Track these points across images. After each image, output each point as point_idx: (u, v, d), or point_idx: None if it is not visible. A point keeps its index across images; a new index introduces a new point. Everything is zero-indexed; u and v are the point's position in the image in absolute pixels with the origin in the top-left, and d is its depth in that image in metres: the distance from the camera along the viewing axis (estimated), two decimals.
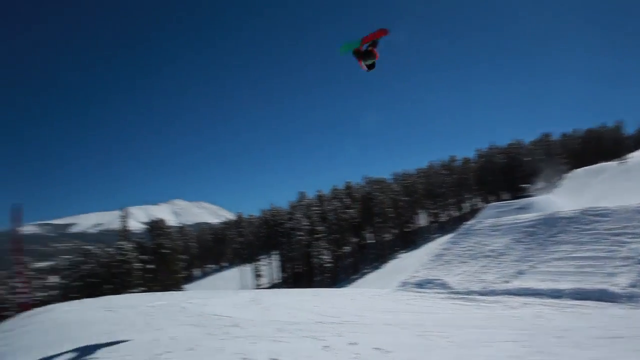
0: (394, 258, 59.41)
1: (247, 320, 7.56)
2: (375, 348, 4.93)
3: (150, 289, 38.65)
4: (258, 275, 60.94)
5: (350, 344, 5.23)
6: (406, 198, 64.75)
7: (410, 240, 63.93)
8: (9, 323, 10.25)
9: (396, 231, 65.36)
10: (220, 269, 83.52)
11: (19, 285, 15.70)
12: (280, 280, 59.60)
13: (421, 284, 14.97)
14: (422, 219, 72.55)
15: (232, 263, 77.73)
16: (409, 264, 43.98)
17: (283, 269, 59.55)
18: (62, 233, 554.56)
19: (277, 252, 60.14)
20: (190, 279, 71.57)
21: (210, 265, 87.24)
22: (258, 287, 57.54)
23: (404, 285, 15.48)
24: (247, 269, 62.47)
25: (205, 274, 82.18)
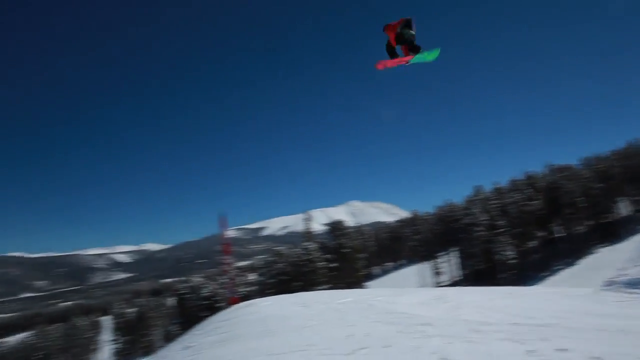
0: (592, 253, 52.64)
1: (437, 319, 7.37)
2: (594, 358, 4.31)
3: (334, 286, 40.81)
4: (437, 273, 59.81)
5: (559, 350, 4.68)
6: (600, 185, 56.67)
7: (611, 232, 55.75)
8: (223, 314, 11.76)
9: (591, 222, 57.85)
10: (399, 266, 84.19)
11: (227, 281, 17.97)
12: (461, 278, 57.50)
13: (633, 284, 12.88)
14: (624, 208, 62.92)
15: (410, 261, 77.73)
16: (611, 259, 38.47)
17: (463, 266, 57.35)
18: (255, 236, 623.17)
19: (456, 248, 58.22)
20: (370, 276, 73.55)
21: (388, 263, 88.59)
22: (438, 284, 56.45)
23: (611, 284, 13.50)
24: (425, 267, 61.79)
25: (384, 272, 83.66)
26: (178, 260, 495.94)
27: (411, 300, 10.36)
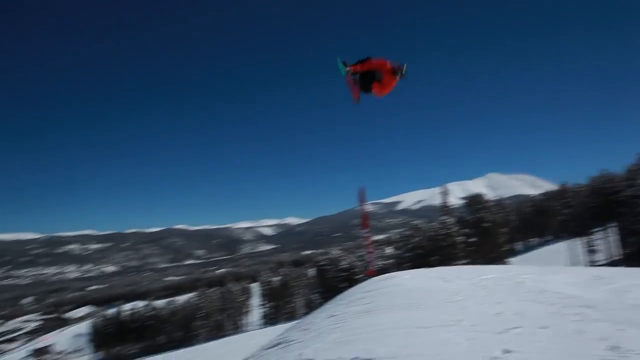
0: None
1: (599, 302, 6.63)
2: None
3: (473, 261, 39.32)
4: (591, 251, 54.09)
5: None
6: None
7: None
8: (365, 285, 11.99)
9: None
10: (544, 243, 78.11)
11: (366, 254, 18.33)
12: (621, 257, 51.20)
13: None
14: None
15: (557, 237, 71.65)
16: None
17: (623, 244, 50.91)
18: (390, 210, 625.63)
19: (614, 224, 51.85)
20: (512, 252, 69.35)
21: (532, 239, 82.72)
22: (592, 263, 51.12)
23: None
24: (576, 244, 56.26)
25: (527, 248, 78.33)
26: (316, 234, 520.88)
27: (565, 280, 9.45)
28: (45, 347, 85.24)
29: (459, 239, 41.36)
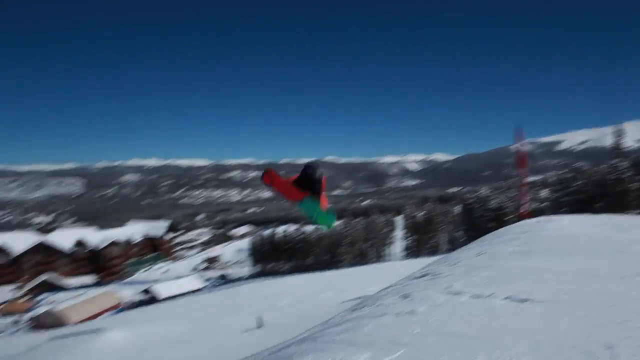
0: None
1: None
2: None
3: None
4: None
5: None
6: None
7: None
8: (521, 226, 11.31)
9: None
10: None
11: (520, 195, 17.21)
12: None
13: None
14: None
15: None
16: None
17: None
18: (549, 150, 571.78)
19: None
20: None
21: None
22: None
23: None
24: None
25: None
26: (463, 171, 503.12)
27: None
28: (215, 256, 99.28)
29: (633, 185, 36.40)
